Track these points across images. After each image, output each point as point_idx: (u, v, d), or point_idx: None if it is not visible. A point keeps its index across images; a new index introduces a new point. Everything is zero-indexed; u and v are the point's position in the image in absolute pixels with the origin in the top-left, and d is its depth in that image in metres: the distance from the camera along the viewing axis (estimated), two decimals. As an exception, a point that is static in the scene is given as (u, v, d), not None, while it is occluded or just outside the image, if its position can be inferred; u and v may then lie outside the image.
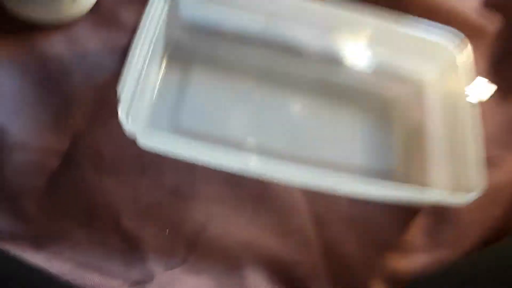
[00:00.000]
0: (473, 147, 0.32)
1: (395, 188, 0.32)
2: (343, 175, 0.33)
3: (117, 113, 0.32)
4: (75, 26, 0.37)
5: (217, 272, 0.30)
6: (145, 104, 0.33)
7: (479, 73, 0.43)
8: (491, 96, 0.41)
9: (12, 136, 0.31)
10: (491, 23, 0.45)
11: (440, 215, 0.35)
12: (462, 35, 0.37)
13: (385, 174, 0.36)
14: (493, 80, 0.43)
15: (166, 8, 0.34)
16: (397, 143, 0.38)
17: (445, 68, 0.38)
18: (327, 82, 0.39)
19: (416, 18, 0.39)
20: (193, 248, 0.31)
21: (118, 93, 0.28)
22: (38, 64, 0.34)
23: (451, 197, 0.31)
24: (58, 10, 0.36)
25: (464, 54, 0.36)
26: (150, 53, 0.31)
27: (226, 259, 0.31)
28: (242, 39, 0.38)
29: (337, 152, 0.37)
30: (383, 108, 0.40)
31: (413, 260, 0.33)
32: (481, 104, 0.41)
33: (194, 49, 0.38)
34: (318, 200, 0.34)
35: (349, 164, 0.36)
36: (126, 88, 0.28)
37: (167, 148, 0.29)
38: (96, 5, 0.37)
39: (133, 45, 0.30)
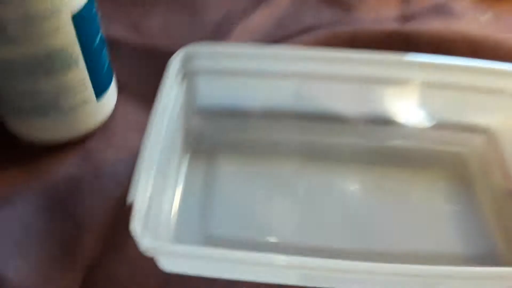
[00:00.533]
0: None
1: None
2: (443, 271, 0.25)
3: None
4: (89, 140, 0.32)
5: None
6: (166, 214, 0.27)
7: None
8: None
9: (12, 283, 0.25)
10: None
11: None
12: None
13: (485, 259, 0.28)
14: None
15: (182, 94, 0.30)
16: (487, 209, 0.30)
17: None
18: (380, 148, 0.33)
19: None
20: None
21: (128, 204, 0.22)
22: (44, 189, 0.30)
23: None
24: (72, 126, 0.31)
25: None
26: (165, 150, 0.26)
27: None
28: (272, 113, 0.32)
29: (404, 240, 0.29)
30: (456, 168, 0.32)
31: None
32: None
33: (219, 137, 0.32)
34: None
35: (434, 255, 0.28)
36: (139, 197, 0.22)
37: (196, 271, 0.22)
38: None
39: (144, 145, 0.24)
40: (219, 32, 0.43)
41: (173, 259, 0.24)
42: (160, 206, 0.26)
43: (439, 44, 0.39)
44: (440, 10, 0.45)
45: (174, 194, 0.29)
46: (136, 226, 0.21)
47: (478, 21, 0.45)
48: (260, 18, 0.44)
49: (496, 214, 0.30)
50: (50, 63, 0.27)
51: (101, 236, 0.27)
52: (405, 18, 0.43)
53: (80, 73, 0.29)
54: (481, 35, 0.39)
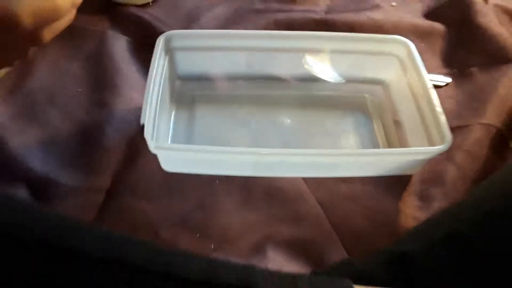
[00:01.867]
0: (440, 119, 0.38)
1: (384, 153, 0.38)
2: (337, 159, 0.39)
3: (144, 152, 0.40)
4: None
5: (243, 257, 0.35)
6: (163, 138, 0.41)
7: (434, 64, 0.51)
8: (446, 84, 0.49)
9: (64, 185, 0.39)
10: (435, 28, 0.54)
11: (427, 181, 0.40)
12: (408, 41, 0.45)
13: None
14: (447, 67, 0.51)
15: (166, 65, 0.43)
16: (379, 133, 0.45)
17: (402, 68, 0.45)
18: (308, 96, 0.47)
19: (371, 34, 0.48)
20: (220, 246, 0.37)
21: (142, 123, 0.35)
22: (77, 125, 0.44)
23: (430, 149, 0.36)
24: None
25: (413, 55, 0.44)
26: (160, 98, 0.40)
27: (250, 248, 0.36)
28: (231, 76, 0.47)
29: (327, 148, 0.43)
30: (360, 108, 0.47)
31: (410, 220, 0.38)
32: (439, 90, 0.48)
33: (194, 93, 0.47)
34: (319, 187, 0.40)
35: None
36: (148, 121, 0.36)
37: (184, 169, 0.36)
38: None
39: (146, 93, 0.38)
40: (192, 18, 0.56)
41: (170, 159, 0.37)
42: (159, 133, 0.39)
43: (352, 27, 0.53)
44: (359, 1, 0.60)
45: (168, 128, 0.43)
46: (147, 135, 0.35)
47: (390, 6, 0.60)
48: (222, 8, 0.58)
49: (384, 135, 0.45)
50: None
51: (121, 156, 0.41)
52: (330, 9, 0.58)
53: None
54: (381, 18, 0.54)
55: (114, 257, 0.22)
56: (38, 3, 0.27)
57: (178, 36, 0.44)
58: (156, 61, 0.41)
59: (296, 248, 0.36)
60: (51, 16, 0.29)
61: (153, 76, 0.40)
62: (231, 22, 0.56)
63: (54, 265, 0.21)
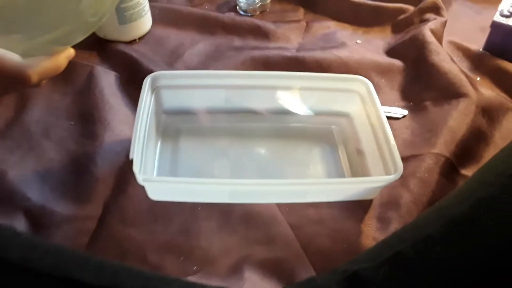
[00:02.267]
0: (393, 151, 0.44)
1: (346, 181, 0.44)
2: (306, 188, 0.44)
3: (132, 182, 0.45)
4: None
5: (223, 277, 0.40)
6: (150, 169, 0.46)
7: (393, 98, 0.57)
8: (403, 116, 0.55)
9: (59, 214, 0.43)
10: (394, 65, 0.61)
11: (385, 205, 0.46)
12: (367, 80, 0.50)
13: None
14: (404, 100, 0.57)
15: (153, 101, 0.48)
16: (344, 161, 0.50)
17: (363, 103, 0.51)
18: (281, 128, 0.53)
19: (335, 73, 0.54)
20: (202, 267, 0.41)
21: (130, 158, 0.40)
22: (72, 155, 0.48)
23: (384, 178, 0.42)
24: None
25: (371, 92, 0.50)
26: (147, 133, 0.44)
27: (229, 269, 0.41)
28: (211, 110, 0.52)
29: (298, 175, 0.48)
30: (327, 138, 0.52)
31: (370, 240, 0.43)
32: (397, 121, 0.54)
33: (178, 127, 0.52)
34: (290, 211, 0.45)
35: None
36: (136, 155, 0.40)
37: (169, 198, 0.40)
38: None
39: (135, 129, 0.43)
40: (176, 55, 0.62)
41: (156, 189, 0.42)
42: (146, 165, 0.44)
43: (320, 64, 0.59)
44: (328, 39, 0.66)
45: (154, 160, 0.48)
46: (136, 168, 0.39)
47: (356, 44, 0.66)
48: (204, 45, 0.64)
49: (348, 163, 0.50)
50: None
51: (112, 185, 0.45)
52: (301, 47, 0.64)
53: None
54: (346, 56, 0.60)
55: (110, 285, 0.26)
56: (45, 64, 0.32)
57: (163, 76, 0.49)
58: (144, 98, 0.46)
59: (270, 267, 0.41)
60: (53, 73, 0.34)
61: (141, 113, 0.45)
62: (211, 58, 0.61)
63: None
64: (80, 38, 0.33)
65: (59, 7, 0.29)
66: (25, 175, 0.46)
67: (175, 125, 0.52)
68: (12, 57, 0.30)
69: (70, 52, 0.37)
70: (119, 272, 0.26)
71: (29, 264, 0.24)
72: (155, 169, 0.47)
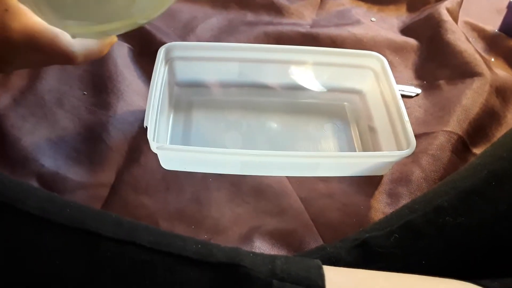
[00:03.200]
0: (406, 127, 0.44)
1: (358, 155, 0.44)
2: (317, 161, 0.45)
3: (145, 151, 0.45)
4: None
5: (233, 245, 0.40)
6: (163, 138, 0.46)
7: (407, 76, 0.57)
8: (417, 94, 0.54)
9: (72, 180, 0.43)
10: (408, 43, 0.60)
11: (396, 181, 0.46)
12: (382, 56, 0.50)
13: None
14: (418, 78, 0.56)
15: (166, 73, 0.48)
16: (355, 138, 0.50)
17: (377, 79, 0.51)
18: (294, 103, 0.53)
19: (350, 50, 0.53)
20: (212, 236, 0.41)
21: (145, 126, 0.40)
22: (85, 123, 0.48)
23: (397, 153, 0.42)
24: None
25: (386, 69, 0.49)
26: (160, 103, 0.44)
27: (239, 238, 0.41)
28: (224, 84, 0.52)
29: (309, 150, 0.48)
30: (339, 115, 0.52)
31: (379, 214, 0.43)
32: (410, 99, 0.54)
33: (191, 97, 0.52)
34: (301, 185, 0.45)
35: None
36: (150, 124, 0.41)
37: (181, 167, 0.41)
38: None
39: (149, 98, 0.43)
40: (189, 28, 0.61)
41: (169, 157, 0.42)
42: (160, 134, 0.44)
43: (334, 41, 0.59)
44: (342, 16, 0.65)
45: (167, 130, 0.48)
46: (150, 136, 0.40)
47: (370, 21, 0.65)
48: (217, 19, 0.63)
49: (360, 140, 0.50)
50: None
51: (124, 154, 0.46)
52: (315, 23, 0.63)
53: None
54: (361, 33, 0.60)
55: (127, 238, 0.26)
56: (91, 47, 0.34)
57: (177, 47, 0.49)
58: (157, 69, 0.46)
59: (279, 238, 0.41)
60: (96, 56, 0.35)
61: (155, 84, 0.45)
62: (224, 32, 0.61)
63: (74, 244, 0.26)
64: (125, 31, 0.34)
65: (114, 7, 0.30)
66: (38, 142, 0.47)
67: (187, 97, 0.52)
68: (64, 37, 0.32)
69: (114, 39, 0.38)
70: (136, 227, 0.26)
71: (47, 216, 0.25)
72: (168, 139, 0.47)
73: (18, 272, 0.24)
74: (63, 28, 0.31)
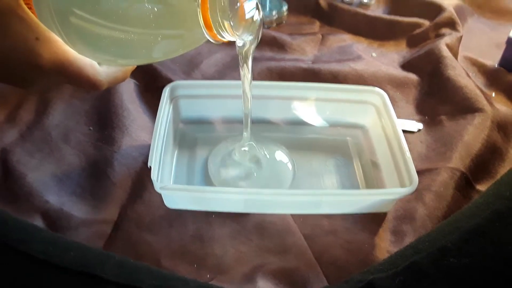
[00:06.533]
0: (408, 163, 0.44)
1: (361, 193, 0.44)
2: (320, 198, 0.45)
3: (148, 187, 0.45)
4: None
5: (236, 285, 0.40)
6: (167, 178, 0.46)
7: (408, 112, 0.58)
8: (418, 130, 0.55)
9: (76, 217, 0.43)
10: (409, 78, 0.61)
11: (400, 218, 0.46)
12: (383, 92, 0.51)
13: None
14: (419, 114, 0.57)
15: (171, 110, 0.49)
16: (358, 173, 0.50)
17: (378, 115, 0.51)
18: (296, 138, 0.53)
19: (352, 84, 0.54)
20: (215, 276, 0.41)
21: (149, 166, 0.41)
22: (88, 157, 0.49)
23: (398, 191, 0.42)
24: None
25: (387, 104, 0.50)
26: (165, 141, 0.45)
27: (242, 278, 0.41)
28: (228, 120, 0.52)
29: (312, 186, 0.49)
30: (342, 150, 0.53)
31: (384, 253, 0.43)
32: (412, 135, 0.54)
33: (195, 134, 0.52)
34: (304, 222, 0.45)
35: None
36: (154, 164, 0.41)
37: (184, 206, 0.41)
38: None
39: (153, 137, 0.43)
40: (194, 64, 0.62)
41: (172, 197, 0.43)
42: (164, 173, 0.44)
43: (335, 76, 0.60)
44: (343, 51, 0.66)
45: (172, 167, 0.48)
46: (154, 176, 0.40)
47: (371, 57, 0.67)
48: (221, 55, 0.65)
49: (363, 175, 0.50)
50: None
51: (128, 191, 0.46)
52: (316, 59, 0.64)
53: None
54: (362, 68, 0.61)
55: (128, 282, 0.26)
56: (117, 74, 0.34)
57: (182, 86, 0.50)
58: (162, 108, 0.47)
59: (283, 277, 0.41)
60: (120, 82, 0.36)
61: (159, 122, 0.46)
62: (228, 68, 0.62)
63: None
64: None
65: (139, 52, 0.31)
66: (44, 178, 0.47)
67: (192, 134, 0.52)
68: (92, 64, 0.32)
69: (135, 65, 0.39)
70: (139, 270, 0.26)
71: (51, 259, 0.25)
72: (172, 177, 0.48)
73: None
74: (92, 58, 0.32)
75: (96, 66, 0.32)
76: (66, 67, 0.30)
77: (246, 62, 0.37)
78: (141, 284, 0.26)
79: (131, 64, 0.36)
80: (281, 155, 0.51)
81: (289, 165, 0.50)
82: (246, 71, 0.39)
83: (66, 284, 0.25)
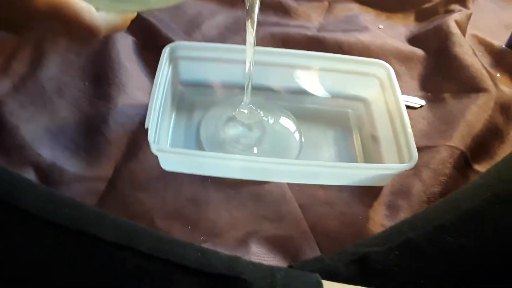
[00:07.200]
0: (409, 139, 0.43)
1: (359, 167, 0.44)
2: (317, 169, 0.44)
3: (144, 147, 0.44)
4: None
5: (229, 249, 0.40)
6: (164, 139, 0.45)
7: (411, 87, 0.57)
8: (421, 106, 0.54)
9: (69, 172, 0.43)
10: (415, 53, 0.60)
11: (396, 193, 0.45)
12: (388, 65, 0.49)
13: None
14: (422, 90, 0.56)
15: (170, 72, 0.47)
16: (357, 146, 0.50)
17: (382, 88, 0.50)
18: (297, 107, 0.52)
19: (357, 56, 0.53)
20: (209, 238, 0.41)
21: (146, 127, 0.39)
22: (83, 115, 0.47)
23: (397, 166, 0.42)
24: None
25: (392, 78, 0.49)
26: (163, 103, 0.44)
27: (235, 242, 0.41)
28: (228, 85, 0.51)
29: (311, 157, 0.48)
30: (342, 122, 0.52)
31: (377, 226, 0.43)
32: (413, 111, 0.54)
33: (194, 97, 0.51)
34: (300, 191, 0.44)
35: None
36: (151, 125, 0.40)
37: (179, 169, 0.40)
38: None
39: (151, 98, 0.42)
40: (194, 25, 0.60)
41: (168, 159, 0.42)
42: (160, 135, 0.43)
43: (340, 46, 0.58)
44: (350, 21, 0.65)
45: (169, 130, 0.47)
46: (150, 138, 0.39)
47: (378, 28, 0.65)
48: (223, 17, 0.62)
49: (362, 148, 0.50)
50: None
51: (123, 149, 0.45)
52: (322, 27, 0.63)
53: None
54: (368, 40, 0.59)
55: (125, 243, 0.26)
56: (115, 21, 0.33)
57: (182, 47, 0.48)
58: (161, 69, 0.45)
59: (276, 244, 0.41)
60: (118, 30, 0.35)
61: (158, 83, 0.44)
62: (230, 31, 0.60)
63: (71, 247, 0.25)
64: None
65: None
66: (36, 131, 0.46)
67: (191, 97, 0.51)
68: (89, 10, 0.31)
69: (134, 14, 0.37)
70: (135, 231, 0.26)
71: (45, 216, 0.24)
72: (169, 140, 0.47)
73: (9, 272, 0.23)
74: (89, 2, 0.31)
75: (93, 11, 0.31)
76: (62, 10, 0.28)
77: (252, 9, 0.36)
78: (138, 246, 0.26)
79: (129, 9, 0.34)
80: (287, 122, 0.50)
81: (296, 135, 0.49)
82: (251, 22, 0.37)
83: (60, 242, 0.25)
